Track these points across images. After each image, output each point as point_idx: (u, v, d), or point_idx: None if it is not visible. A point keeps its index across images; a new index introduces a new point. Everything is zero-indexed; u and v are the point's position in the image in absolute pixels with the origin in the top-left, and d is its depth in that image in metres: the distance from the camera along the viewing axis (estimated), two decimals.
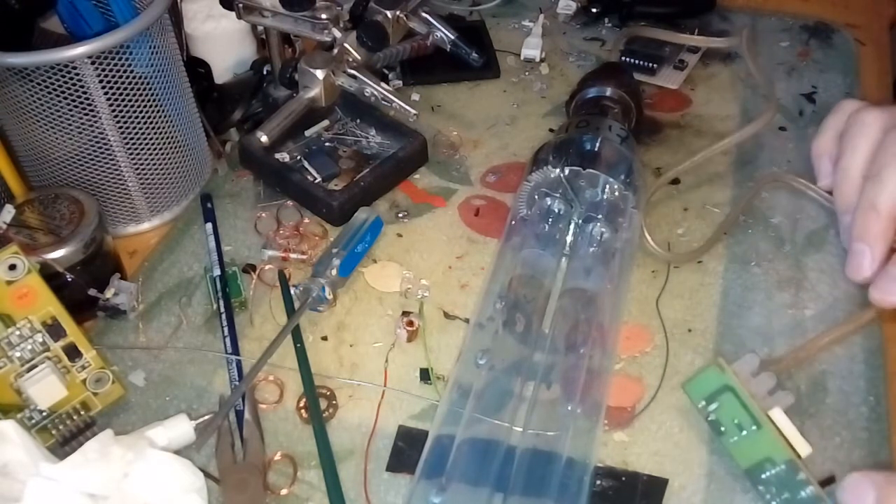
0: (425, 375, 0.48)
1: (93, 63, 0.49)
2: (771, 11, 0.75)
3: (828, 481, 0.41)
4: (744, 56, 0.62)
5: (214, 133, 0.62)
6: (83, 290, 0.49)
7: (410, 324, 0.50)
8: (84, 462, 0.39)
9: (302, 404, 0.47)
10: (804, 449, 0.40)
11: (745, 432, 0.41)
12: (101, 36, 0.49)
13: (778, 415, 0.41)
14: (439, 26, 0.61)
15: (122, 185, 0.55)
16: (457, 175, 0.61)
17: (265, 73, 0.65)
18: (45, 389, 0.44)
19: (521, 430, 0.43)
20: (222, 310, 0.51)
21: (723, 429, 0.42)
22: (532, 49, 0.71)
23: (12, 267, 0.43)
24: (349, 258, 0.52)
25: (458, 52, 0.61)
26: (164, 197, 0.58)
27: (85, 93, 0.50)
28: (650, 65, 0.69)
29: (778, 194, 0.57)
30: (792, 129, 0.63)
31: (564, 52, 0.73)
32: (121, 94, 0.51)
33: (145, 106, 0.53)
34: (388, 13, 0.58)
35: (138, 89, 0.52)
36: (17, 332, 0.44)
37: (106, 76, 0.50)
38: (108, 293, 0.51)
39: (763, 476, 0.41)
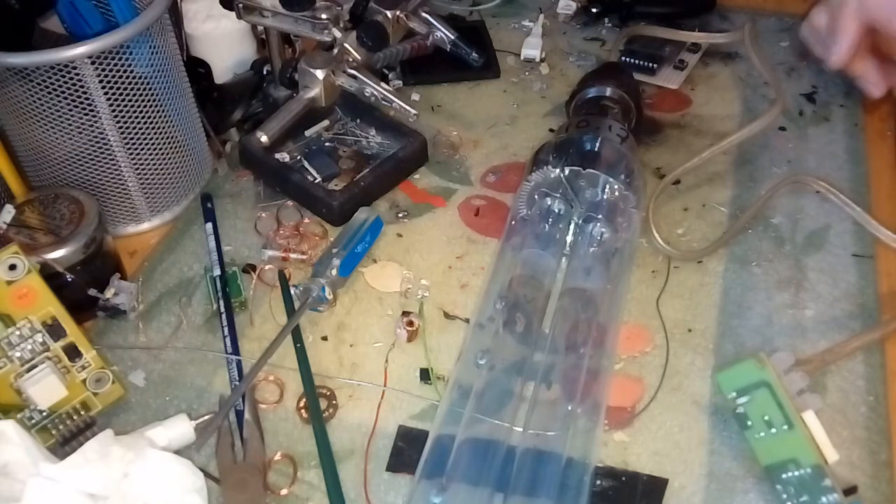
0: (425, 375, 0.48)
1: (93, 63, 0.49)
2: (771, 11, 0.75)
3: (850, 490, 0.41)
4: (747, 50, 0.62)
5: (214, 133, 0.62)
6: (83, 290, 0.49)
7: (410, 324, 0.50)
8: (84, 462, 0.39)
9: (302, 404, 0.47)
10: (832, 455, 0.40)
11: (773, 430, 0.41)
12: (101, 36, 0.49)
13: (811, 418, 0.40)
14: (439, 26, 0.61)
15: (122, 185, 0.55)
16: (457, 175, 0.61)
17: (265, 73, 0.65)
18: (45, 389, 0.44)
19: (521, 430, 0.43)
20: (222, 310, 0.51)
21: (749, 423, 0.42)
22: (532, 49, 0.71)
23: (12, 267, 0.43)
24: (349, 258, 0.52)
25: (459, 52, 0.61)
26: (164, 197, 0.58)
27: (85, 93, 0.50)
28: (650, 65, 0.69)
29: (778, 194, 0.57)
30: (792, 128, 0.63)
31: (564, 52, 0.73)
32: (121, 94, 0.51)
33: (145, 106, 0.53)
34: (388, 13, 0.58)
35: (138, 89, 0.52)
36: (17, 332, 0.44)
37: (106, 76, 0.50)
38: (108, 293, 0.50)
39: (784, 476, 0.41)
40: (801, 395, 0.41)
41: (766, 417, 0.41)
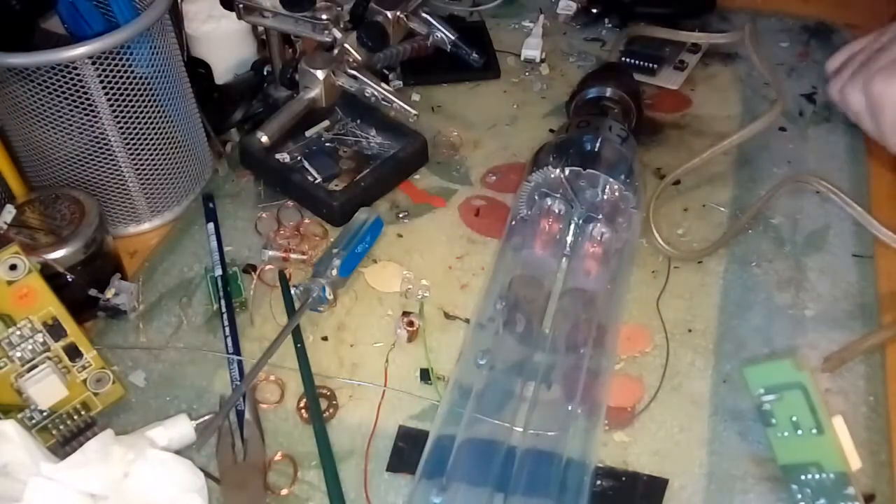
0: (425, 375, 0.48)
1: (93, 63, 0.49)
2: (771, 12, 0.75)
3: (869, 498, 0.41)
4: (747, 50, 0.62)
5: (215, 133, 0.62)
6: (83, 290, 0.49)
7: (411, 324, 0.50)
8: (84, 462, 0.39)
9: (302, 404, 0.47)
10: (856, 463, 0.39)
11: (800, 432, 0.40)
12: (102, 36, 0.49)
13: (839, 423, 0.40)
14: (440, 27, 0.61)
15: (123, 185, 0.55)
16: (457, 175, 0.61)
17: (265, 73, 0.65)
18: (46, 389, 0.44)
19: (521, 430, 0.43)
20: (223, 310, 0.51)
21: (774, 421, 0.41)
22: (532, 49, 0.71)
23: (13, 267, 0.43)
24: (349, 258, 0.52)
25: (459, 52, 0.61)
26: (165, 197, 0.58)
27: (85, 93, 0.50)
28: (650, 65, 0.69)
29: (778, 194, 0.57)
30: (792, 129, 0.63)
31: (565, 53, 0.73)
32: (121, 95, 0.51)
33: (146, 106, 0.53)
34: (389, 14, 0.58)
35: (139, 89, 0.52)
36: (18, 332, 0.44)
37: (106, 76, 0.50)
38: (109, 293, 0.51)
39: (803, 477, 0.40)
40: (826, 397, 0.41)
41: (794, 418, 0.41)
